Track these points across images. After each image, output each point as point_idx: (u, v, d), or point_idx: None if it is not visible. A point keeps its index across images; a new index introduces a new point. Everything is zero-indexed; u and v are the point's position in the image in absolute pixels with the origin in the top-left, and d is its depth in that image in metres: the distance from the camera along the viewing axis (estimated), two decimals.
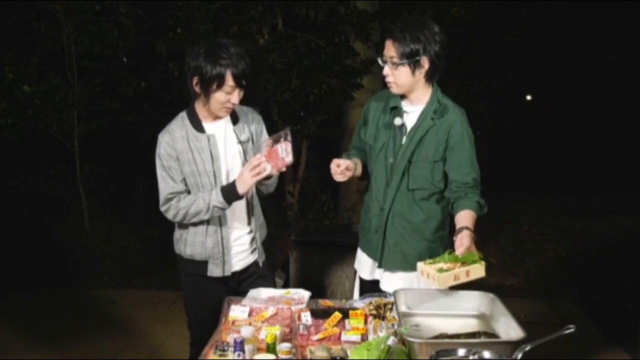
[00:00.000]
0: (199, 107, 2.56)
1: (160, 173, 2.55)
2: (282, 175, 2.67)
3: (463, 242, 2.29)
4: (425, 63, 2.41)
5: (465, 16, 6.73)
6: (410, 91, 2.49)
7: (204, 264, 2.60)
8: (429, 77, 2.47)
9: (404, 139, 2.51)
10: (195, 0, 5.87)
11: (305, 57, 6.21)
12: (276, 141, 2.40)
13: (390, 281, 2.58)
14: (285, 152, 2.39)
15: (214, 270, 2.60)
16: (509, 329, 2.00)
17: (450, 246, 2.41)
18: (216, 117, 2.57)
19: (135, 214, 6.75)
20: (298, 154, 6.73)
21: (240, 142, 2.60)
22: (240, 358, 1.95)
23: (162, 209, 2.56)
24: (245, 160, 2.59)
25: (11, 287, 5.02)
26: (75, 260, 5.82)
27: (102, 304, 4.89)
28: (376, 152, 2.58)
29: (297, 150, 6.71)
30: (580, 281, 5.37)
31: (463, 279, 2.16)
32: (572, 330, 1.93)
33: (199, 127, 2.55)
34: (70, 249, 6.00)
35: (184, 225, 2.61)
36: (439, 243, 2.56)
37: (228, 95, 2.45)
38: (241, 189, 2.45)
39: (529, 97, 13.42)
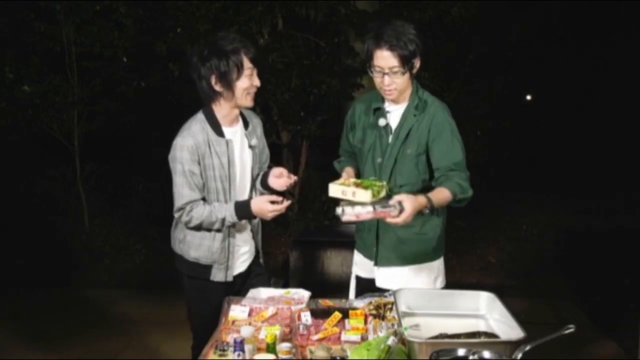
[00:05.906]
0: (217, 108, 2.53)
1: (178, 179, 2.47)
2: None
3: (403, 198, 2.20)
4: (417, 63, 2.50)
5: (465, 16, 6.72)
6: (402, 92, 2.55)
7: (207, 267, 2.58)
8: (415, 74, 2.55)
9: (390, 138, 2.57)
10: (195, 0, 5.87)
11: (305, 57, 6.21)
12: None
13: (386, 276, 2.63)
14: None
15: (217, 275, 2.59)
16: (509, 329, 2.00)
17: (445, 242, 2.64)
18: (232, 122, 2.56)
19: (135, 214, 6.75)
20: (298, 154, 6.73)
21: (250, 146, 2.61)
22: (240, 358, 1.95)
23: (176, 215, 2.52)
24: (254, 166, 2.63)
25: (11, 287, 5.02)
26: (75, 260, 5.82)
27: (102, 304, 4.89)
28: (364, 154, 2.65)
29: (297, 150, 6.75)
30: (580, 281, 5.37)
31: (349, 197, 2.27)
32: (572, 330, 1.93)
33: (219, 131, 2.52)
34: (70, 249, 6.00)
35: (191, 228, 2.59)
36: (431, 235, 2.61)
37: (250, 78, 2.46)
38: (256, 213, 2.50)
39: (529, 97, 13.41)
